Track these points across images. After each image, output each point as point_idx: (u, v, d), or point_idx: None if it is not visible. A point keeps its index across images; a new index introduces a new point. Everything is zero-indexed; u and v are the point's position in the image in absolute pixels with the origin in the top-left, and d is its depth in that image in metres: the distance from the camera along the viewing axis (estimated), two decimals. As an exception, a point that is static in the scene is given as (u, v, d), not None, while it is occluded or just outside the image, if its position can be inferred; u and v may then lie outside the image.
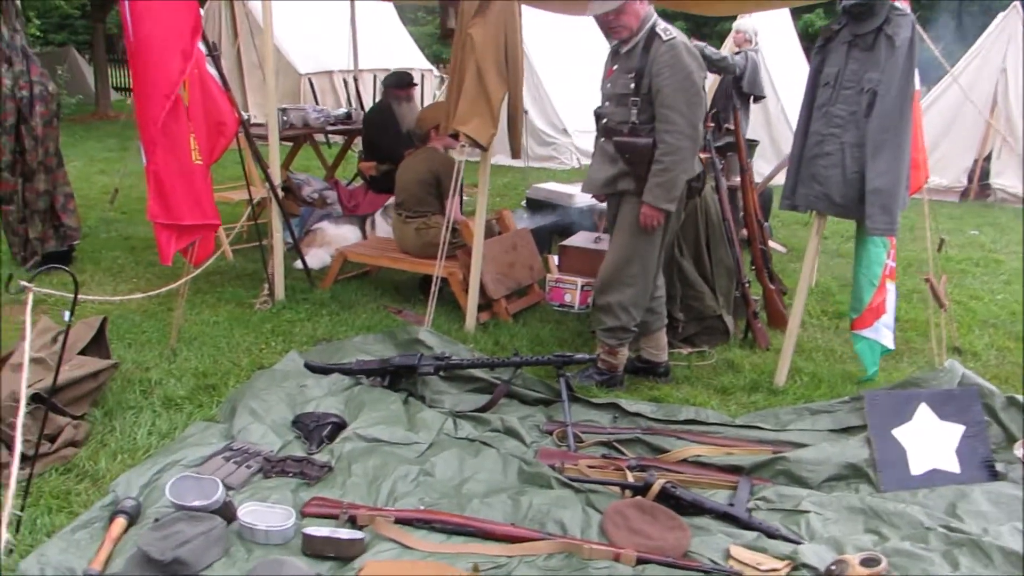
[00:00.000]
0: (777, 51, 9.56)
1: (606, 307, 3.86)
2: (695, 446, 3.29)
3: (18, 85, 4.86)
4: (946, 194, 9.62)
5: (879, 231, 3.66)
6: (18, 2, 4.80)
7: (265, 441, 3.21)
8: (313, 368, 3.88)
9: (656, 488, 2.88)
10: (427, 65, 12.75)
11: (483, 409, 3.56)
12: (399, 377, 3.77)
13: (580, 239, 5.46)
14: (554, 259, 5.56)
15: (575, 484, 2.94)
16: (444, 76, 13.48)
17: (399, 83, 6.34)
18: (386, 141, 6.35)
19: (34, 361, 3.30)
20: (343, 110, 6.97)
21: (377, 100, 6.77)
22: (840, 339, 4.77)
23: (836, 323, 5.04)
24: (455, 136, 4.29)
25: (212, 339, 4.28)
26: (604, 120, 3.78)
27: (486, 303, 4.72)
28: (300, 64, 10.71)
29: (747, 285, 4.59)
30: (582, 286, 5.06)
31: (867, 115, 3.58)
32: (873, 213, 3.60)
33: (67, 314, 2.49)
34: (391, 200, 6.05)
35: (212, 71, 4.20)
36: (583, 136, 9.74)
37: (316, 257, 5.66)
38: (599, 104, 3.86)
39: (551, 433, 3.43)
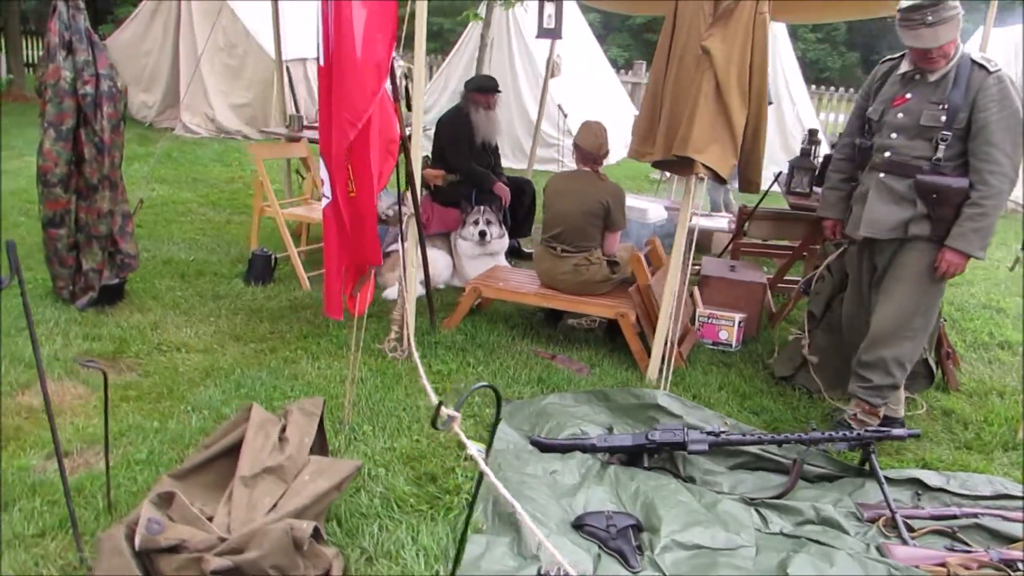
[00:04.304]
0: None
1: (878, 363, 3.39)
2: (1049, 533, 2.89)
3: (81, 79, 3.81)
4: None
5: None
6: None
7: (574, 559, 2.55)
8: (542, 446, 3.21)
9: (1083, 601, 2.47)
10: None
11: (782, 495, 3.02)
12: (652, 454, 3.18)
13: (714, 268, 4.96)
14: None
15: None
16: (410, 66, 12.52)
17: (482, 87, 5.56)
18: (457, 151, 5.60)
19: (267, 471, 2.50)
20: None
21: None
22: (1013, 376, 4.52)
23: (996, 355, 4.80)
24: (668, 164, 3.68)
25: (378, 403, 3.51)
26: (887, 153, 3.29)
27: (656, 347, 4.15)
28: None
29: (943, 323, 4.24)
30: (739, 321, 4.58)
31: None
32: None
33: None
34: (473, 217, 5.37)
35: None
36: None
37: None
38: (864, 133, 3.39)
39: (873, 522, 2.94)
